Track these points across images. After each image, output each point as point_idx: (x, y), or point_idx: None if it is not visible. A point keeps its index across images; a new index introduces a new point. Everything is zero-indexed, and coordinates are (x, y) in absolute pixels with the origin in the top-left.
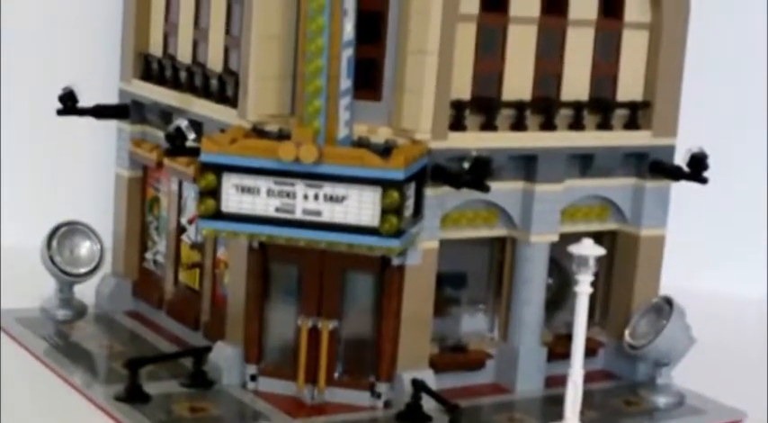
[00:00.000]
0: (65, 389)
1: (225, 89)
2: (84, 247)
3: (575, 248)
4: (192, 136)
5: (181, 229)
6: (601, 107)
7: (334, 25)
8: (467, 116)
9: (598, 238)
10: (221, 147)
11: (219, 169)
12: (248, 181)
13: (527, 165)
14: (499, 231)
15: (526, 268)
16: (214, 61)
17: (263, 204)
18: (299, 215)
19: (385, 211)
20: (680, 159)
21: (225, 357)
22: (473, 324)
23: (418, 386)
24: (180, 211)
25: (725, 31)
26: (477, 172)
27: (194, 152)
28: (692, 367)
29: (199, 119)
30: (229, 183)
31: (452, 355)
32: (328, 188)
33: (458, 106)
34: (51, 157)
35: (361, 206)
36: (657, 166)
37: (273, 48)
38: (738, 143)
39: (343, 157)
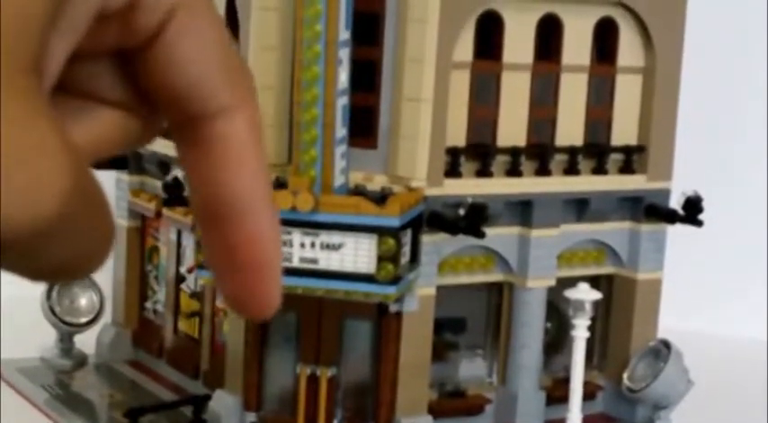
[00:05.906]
0: None
1: None
2: (84, 297)
3: (571, 293)
4: None
5: (180, 279)
6: (595, 152)
7: (329, 74)
8: (462, 163)
9: (595, 281)
10: None
11: None
12: None
13: (523, 210)
14: (496, 276)
15: (524, 313)
16: None
17: None
18: (296, 263)
19: (381, 259)
20: (675, 202)
21: (224, 405)
22: (472, 369)
23: None
24: (179, 261)
25: (720, 74)
26: (473, 218)
27: None
28: (691, 410)
29: None
30: None
31: (451, 401)
32: (325, 236)
33: (453, 153)
34: None
35: (358, 254)
36: (653, 210)
37: (269, 97)
38: (736, 182)
39: (339, 206)
